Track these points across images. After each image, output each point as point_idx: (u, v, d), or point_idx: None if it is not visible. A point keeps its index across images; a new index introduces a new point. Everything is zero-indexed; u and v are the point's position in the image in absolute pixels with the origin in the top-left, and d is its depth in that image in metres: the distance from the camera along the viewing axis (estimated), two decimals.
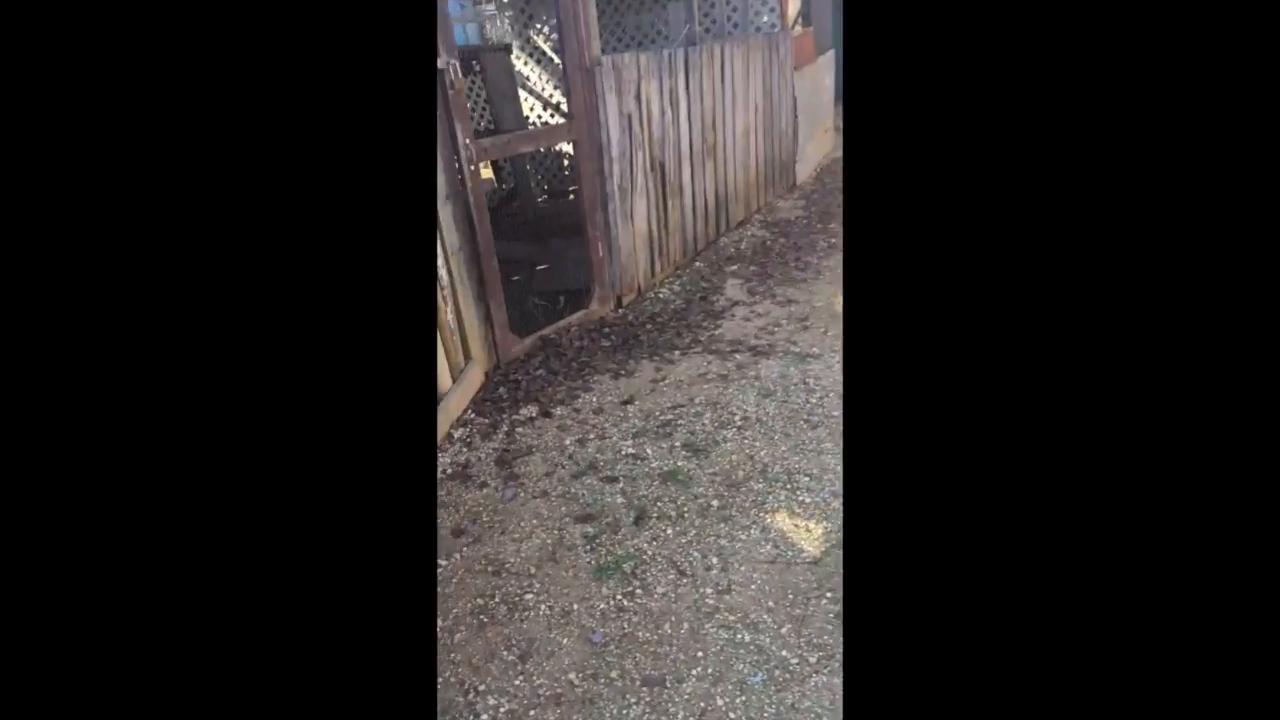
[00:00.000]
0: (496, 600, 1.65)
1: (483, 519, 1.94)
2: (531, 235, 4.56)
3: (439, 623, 1.60)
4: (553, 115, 5.82)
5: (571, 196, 5.69)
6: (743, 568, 1.68)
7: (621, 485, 2.03)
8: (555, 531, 1.86)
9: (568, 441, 2.28)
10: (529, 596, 1.65)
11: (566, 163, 5.95)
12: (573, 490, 2.03)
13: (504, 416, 2.46)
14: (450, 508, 1.99)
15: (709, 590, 1.63)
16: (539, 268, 3.95)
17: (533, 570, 1.74)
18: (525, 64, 5.72)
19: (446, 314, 2.45)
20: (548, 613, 1.60)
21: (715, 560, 1.71)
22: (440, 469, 2.18)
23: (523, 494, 2.03)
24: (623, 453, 2.19)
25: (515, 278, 3.85)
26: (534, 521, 1.91)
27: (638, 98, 3.17)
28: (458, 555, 1.81)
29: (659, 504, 1.94)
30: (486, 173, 5.90)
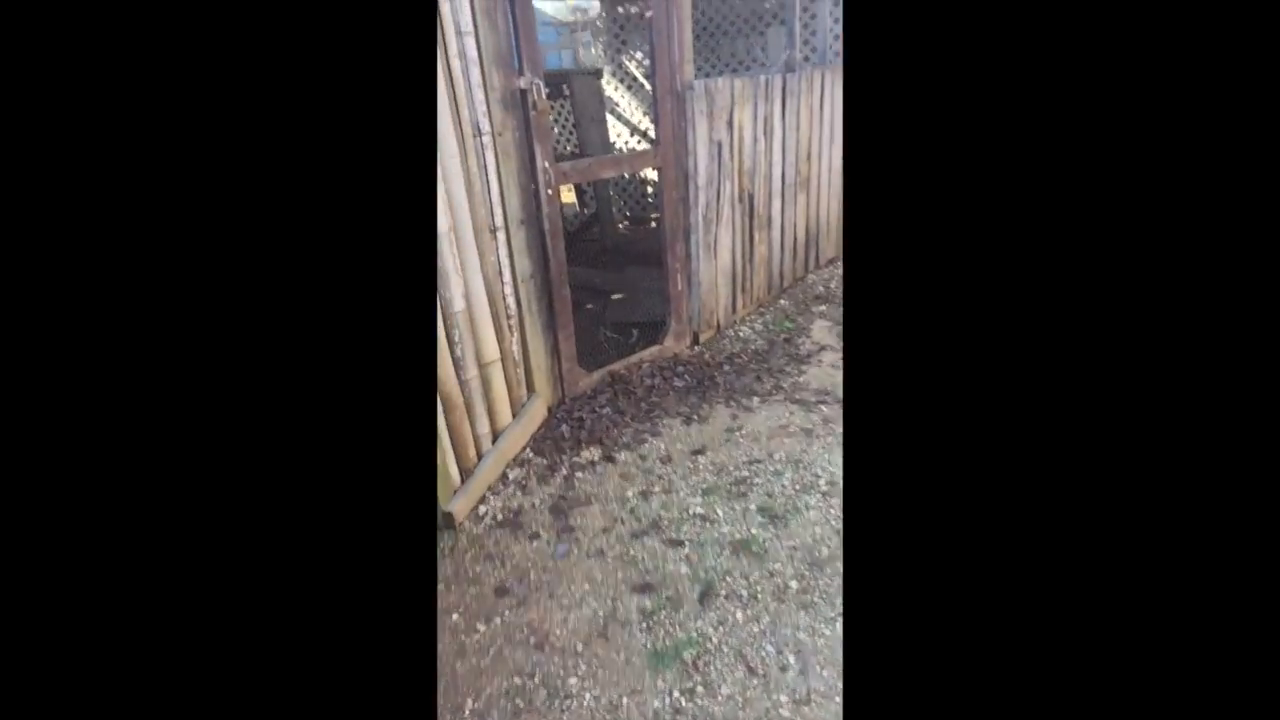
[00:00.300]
0: (536, 681, 1.45)
1: (530, 578, 1.74)
2: (609, 262, 4.43)
3: (469, 703, 1.40)
4: (640, 141, 5.73)
5: (653, 224, 5.56)
6: (825, 672, 1.42)
7: (687, 551, 1.80)
8: (609, 601, 1.65)
9: (630, 493, 2.07)
10: (573, 681, 1.44)
11: (650, 189, 5.83)
12: (632, 552, 1.81)
13: (564, 458, 2.27)
14: (496, 561, 1.81)
15: (783, 698, 1.37)
16: (614, 297, 3.79)
17: (580, 648, 1.52)
18: (616, 89, 5.67)
19: (511, 344, 2.30)
20: (592, 704, 1.38)
21: (792, 659, 1.45)
22: (491, 514, 2.01)
23: (577, 551, 1.83)
24: (690, 512, 1.96)
25: (589, 306, 3.71)
26: (586, 586, 1.70)
27: (730, 124, 2.98)
28: (498, 620, 1.61)
29: (728, 579, 1.69)
30: (569, 196, 5.85)
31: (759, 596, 1.63)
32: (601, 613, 1.61)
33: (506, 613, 1.63)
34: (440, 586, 1.73)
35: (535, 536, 1.90)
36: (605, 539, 1.87)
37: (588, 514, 1.98)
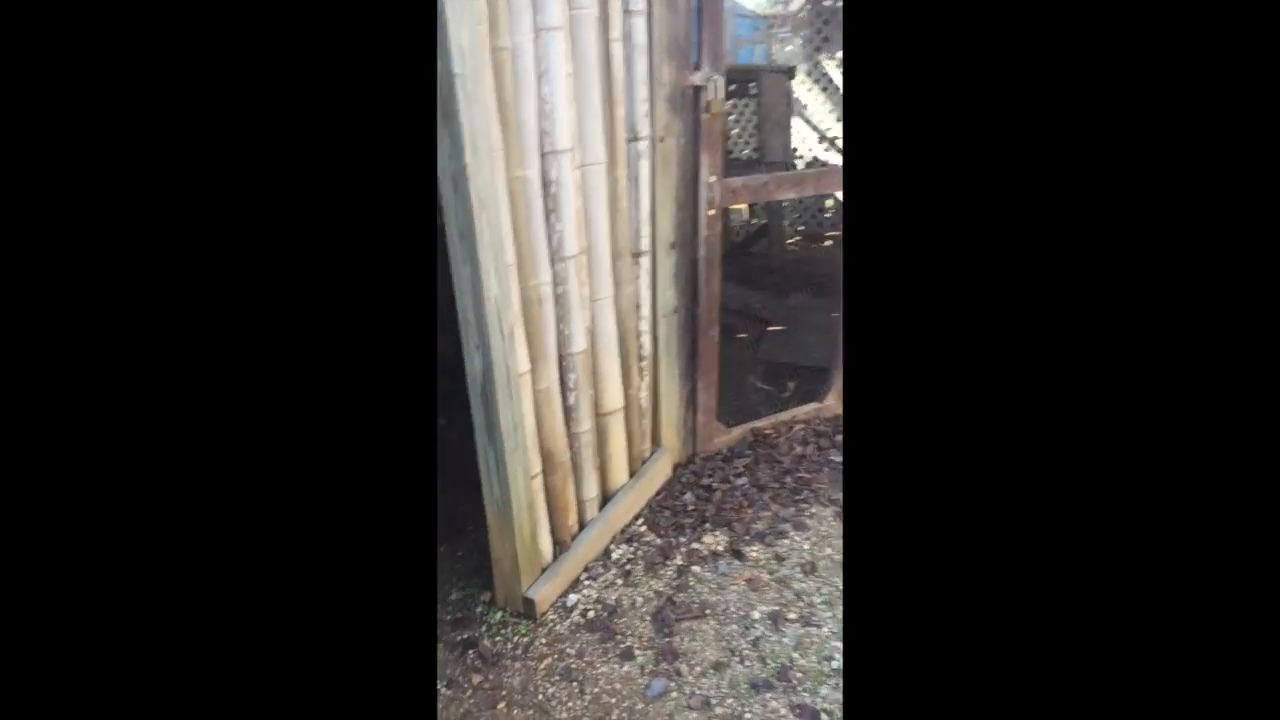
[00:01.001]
0: None
1: None
2: (773, 284, 3.93)
3: None
4: (828, 149, 5.13)
5: (828, 243, 4.96)
6: None
7: None
8: None
9: (757, 613, 1.61)
10: None
11: (830, 203, 5.22)
12: (748, 715, 1.36)
13: (682, 540, 1.85)
14: (575, 683, 1.43)
15: None
16: (771, 327, 3.30)
17: None
18: (809, 90, 5.11)
19: (639, 391, 1.91)
20: None
21: None
22: (581, 608, 1.63)
23: (676, 694, 1.41)
24: (834, 664, 1.47)
25: (740, 335, 3.25)
26: None
27: None
28: None
29: None
30: (739, 204, 5.39)
31: None
32: None
33: None
34: (501, 705, 1.38)
35: (629, 656, 1.50)
36: (716, 682, 1.43)
37: (699, 635, 1.55)
